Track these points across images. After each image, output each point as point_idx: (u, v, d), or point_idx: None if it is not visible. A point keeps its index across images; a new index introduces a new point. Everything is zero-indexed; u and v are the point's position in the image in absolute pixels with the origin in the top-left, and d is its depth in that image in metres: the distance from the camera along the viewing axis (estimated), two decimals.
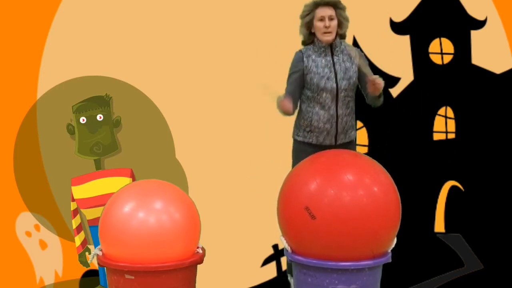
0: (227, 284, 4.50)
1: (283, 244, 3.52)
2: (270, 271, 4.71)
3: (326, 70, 3.69)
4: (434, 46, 4.66)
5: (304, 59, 3.71)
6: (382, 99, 3.75)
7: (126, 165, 4.57)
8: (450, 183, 4.69)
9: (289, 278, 3.91)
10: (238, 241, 4.59)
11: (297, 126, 3.84)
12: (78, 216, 4.60)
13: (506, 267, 4.61)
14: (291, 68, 3.77)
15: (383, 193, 3.35)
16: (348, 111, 3.73)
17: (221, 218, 4.51)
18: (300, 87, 3.74)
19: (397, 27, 4.66)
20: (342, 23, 3.71)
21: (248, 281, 4.63)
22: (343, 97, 3.70)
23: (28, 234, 4.69)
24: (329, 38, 3.67)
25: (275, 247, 4.69)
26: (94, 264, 4.56)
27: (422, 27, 4.65)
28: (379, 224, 3.30)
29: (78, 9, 4.67)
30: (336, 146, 3.75)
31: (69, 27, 4.66)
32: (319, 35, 3.69)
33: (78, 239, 4.60)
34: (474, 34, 4.63)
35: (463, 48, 4.65)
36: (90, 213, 4.48)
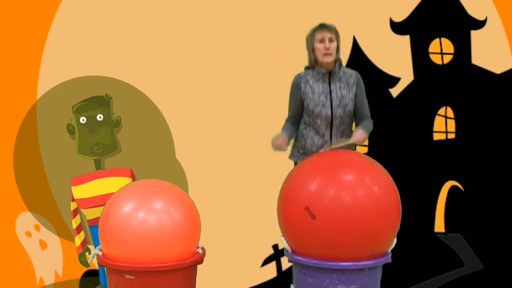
0: (227, 284, 4.50)
1: (283, 244, 3.52)
2: (270, 271, 4.71)
3: (322, 97, 3.72)
4: (434, 46, 4.66)
5: (302, 84, 3.77)
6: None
7: (126, 165, 4.57)
8: (450, 183, 4.69)
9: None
10: (238, 241, 4.60)
11: (293, 146, 3.91)
12: (78, 216, 4.60)
13: (506, 267, 4.61)
14: (290, 93, 3.84)
15: (383, 193, 3.35)
16: (342, 139, 3.76)
17: (221, 218, 4.51)
18: (300, 111, 3.82)
19: (397, 27, 4.66)
20: (339, 47, 3.75)
21: (248, 281, 4.63)
22: (338, 125, 3.74)
23: (28, 234, 4.69)
24: (329, 59, 3.70)
25: (275, 247, 4.69)
26: (94, 264, 4.56)
27: (422, 27, 4.65)
28: (379, 224, 3.30)
29: (78, 9, 4.67)
30: None
31: (69, 27, 4.67)
32: (319, 56, 3.72)
33: (78, 239, 4.61)
34: (474, 34, 4.63)
35: (463, 48, 4.65)
36: (90, 213, 4.48)
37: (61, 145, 4.62)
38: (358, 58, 4.57)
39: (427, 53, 4.67)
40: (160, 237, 3.42)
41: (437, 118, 4.69)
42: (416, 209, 4.53)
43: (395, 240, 3.49)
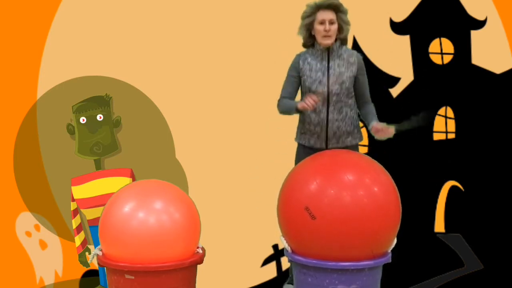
0: (227, 284, 4.50)
1: (283, 244, 3.52)
2: (270, 271, 4.71)
3: (319, 74, 3.71)
4: (434, 46, 4.66)
5: (300, 62, 3.76)
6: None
7: (126, 165, 4.57)
8: (450, 183, 4.69)
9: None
10: (238, 241, 4.59)
11: (297, 128, 3.89)
12: (78, 216, 4.60)
13: (506, 267, 4.61)
14: (288, 70, 3.82)
15: (383, 193, 3.35)
16: (341, 117, 3.73)
17: (221, 218, 4.51)
18: (296, 89, 3.79)
19: (397, 27, 4.66)
20: (342, 27, 3.70)
21: (248, 281, 4.63)
22: (334, 102, 3.70)
23: (28, 234, 4.69)
24: (328, 41, 3.68)
25: (275, 247, 4.69)
26: (94, 264, 4.56)
27: (422, 27, 4.65)
28: (379, 224, 3.30)
29: (78, 9, 4.67)
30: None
31: (69, 27, 4.67)
32: (318, 38, 3.70)
33: (78, 239, 4.60)
34: (474, 34, 4.63)
35: (463, 48, 4.64)
36: (90, 213, 4.48)
37: (61, 145, 4.62)
38: None
39: (427, 53, 4.67)
40: (160, 237, 3.42)
41: (437, 118, 4.69)
42: (416, 209, 4.53)
43: (395, 240, 3.49)
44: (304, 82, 3.73)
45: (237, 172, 4.65)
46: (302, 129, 3.81)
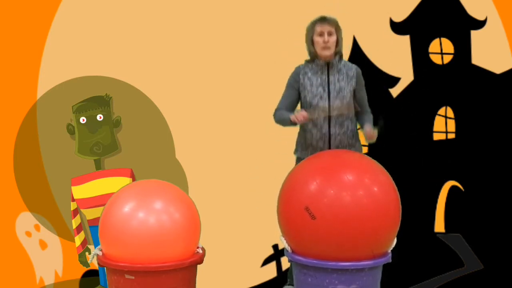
0: (227, 284, 4.50)
1: (283, 244, 3.52)
2: (270, 271, 4.71)
3: (320, 89, 3.73)
4: (434, 46, 4.66)
5: (300, 76, 3.78)
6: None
7: (126, 165, 4.57)
8: (450, 183, 4.69)
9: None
10: (238, 241, 4.59)
11: (296, 142, 3.91)
12: (78, 216, 4.60)
13: (506, 267, 4.61)
14: (287, 84, 3.84)
15: (383, 193, 3.35)
16: (342, 131, 3.75)
17: (221, 218, 4.51)
18: (293, 103, 3.82)
19: (397, 27, 4.66)
20: (339, 41, 3.76)
21: (248, 281, 4.63)
22: (336, 116, 3.72)
23: (28, 234, 4.69)
24: (327, 53, 3.70)
25: (275, 247, 4.69)
26: (94, 264, 4.56)
27: (422, 27, 4.65)
28: (379, 224, 3.30)
29: (78, 9, 4.67)
30: None
31: (69, 27, 4.67)
32: (318, 50, 3.73)
33: (78, 239, 4.60)
34: (474, 34, 4.63)
35: (463, 48, 4.64)
36: (90, 213, 4.48)
37: (61, 145, 4.62)
38: (358, 58, 4.57)
39: (427, 53, 4.67)
40: (160, 237, 3.42)
41: (437, 118, 4.69)
42: (416, 209, 4.53)
43: (395, 240, 3.49)
44: (305, 97, 3.76)
45: (237, 172, 4.65)
46: (304, 144, 3.83)
